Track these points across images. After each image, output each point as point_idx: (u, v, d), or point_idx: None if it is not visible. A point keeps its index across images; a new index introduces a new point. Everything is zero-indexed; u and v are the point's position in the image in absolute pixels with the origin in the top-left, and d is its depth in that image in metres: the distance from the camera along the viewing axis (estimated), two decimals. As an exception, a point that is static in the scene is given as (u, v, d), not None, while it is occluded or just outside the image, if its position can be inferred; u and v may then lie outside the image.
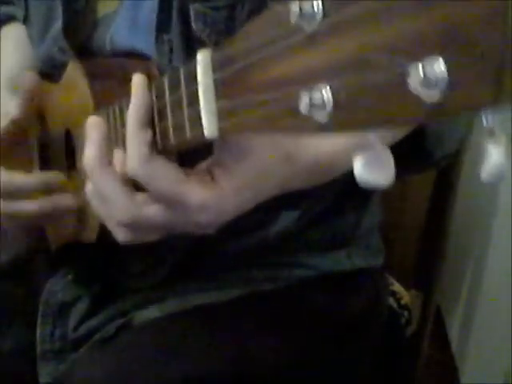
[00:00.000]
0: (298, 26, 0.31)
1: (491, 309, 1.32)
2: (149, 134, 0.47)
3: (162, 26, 0.61)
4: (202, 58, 0.41)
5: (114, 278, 0.72)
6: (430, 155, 0.62)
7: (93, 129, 0.50)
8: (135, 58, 0.64)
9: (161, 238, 0.52)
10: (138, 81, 0.48)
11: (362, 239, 0.77)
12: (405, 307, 0.98)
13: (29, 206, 0.64)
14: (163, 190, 0.47)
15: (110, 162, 0.49)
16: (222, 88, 0.39)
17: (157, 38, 0.61)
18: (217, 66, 0.40)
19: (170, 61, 0.62)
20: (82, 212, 0.65)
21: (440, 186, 0.94)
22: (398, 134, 0.59)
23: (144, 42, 0.63)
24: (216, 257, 0.70)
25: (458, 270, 1.44)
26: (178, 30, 0.61)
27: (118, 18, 0.67)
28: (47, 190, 0.64)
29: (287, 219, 0.69)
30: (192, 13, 0.60)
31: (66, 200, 0.64)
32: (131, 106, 0.47)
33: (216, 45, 0.40)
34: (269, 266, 0.71)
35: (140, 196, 0.49)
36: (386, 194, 0.81)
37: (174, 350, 0.66)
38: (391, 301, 0.96)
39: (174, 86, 0.44)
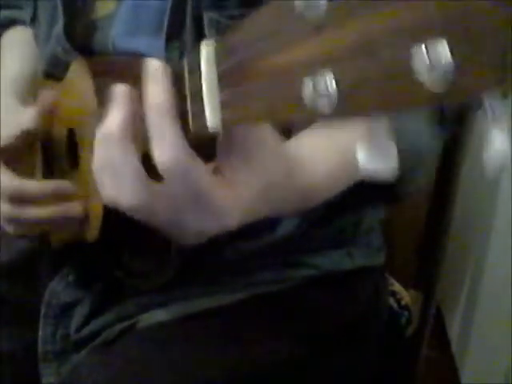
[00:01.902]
0: (302, 15, 0.32)
1: (491, 308, 1.32)
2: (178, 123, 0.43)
3: (173, 31, 0.61)
4: (206, 50, 0.41)
5: (117, 279, 0.72)
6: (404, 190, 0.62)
7: (122, 95, 0.45)
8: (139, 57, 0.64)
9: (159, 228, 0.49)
10: (156, 67, 0.44)
11: (363, 238, 0.77)
12: (405, 307, 0.98)
13: (35, 213, 0.63)
14: (194, 184, 0.43)
15: (134, 138, 0.44)
16: (225, 79, 0.39)
17: (166, 43, 0.61)
18: (221, 58, 0.39)
19: None
20: (84, 211, 0.65)
21: (440, 185, 0.94)
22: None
23: (147, 45, 0.63)
24: (218, 261, 0.70)
25: (457, 270, 1.44)
26: (191, 36, 0.60)
27: (118, 20, 0.67)
28: (55, 197, 0.63)
29: (289, 225, 0.69)
30: (206, 20, 0.59)
31: (71, 208, 0.62)
32: (158, 89, 0.43)
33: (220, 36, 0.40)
34: (270, 267, 0.71)
35: (157, 186, 0.45)
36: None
37: (179, 354, 0.66)
38: (391, 301, 0.96)
39: (178, 79, 0.43)
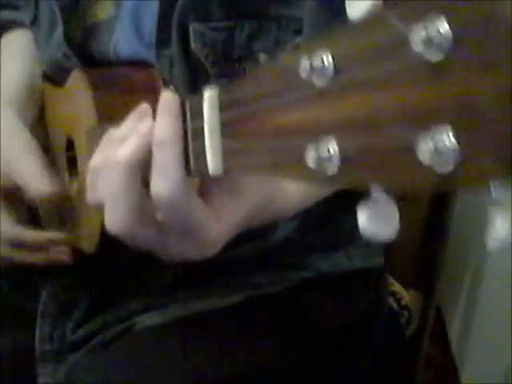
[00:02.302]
0: (308, 80, 0.31)
1: (491, 309, 1.32)
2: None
3: (162, 42, 0.61)
4: (210, 96, 0.40)
5: (115, 281, 0.72)
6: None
7: (141, 127, 0.44)
8: (139, 66, 0.63)
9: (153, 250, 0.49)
10: (169, 99, 0.43)
11: (362, 240, 0.76)
12: (405, 307, 0.98)
13: (30, 258, 0.70)
14: (188, 216, 0.44)
15: (139, 170, 0.44)
16: (228, 128, 0.39)
17: (157, 52, 0.61)
18: (224, 107, 0.39)
19: (171, 75, 0.62)
20: (81, 221, 0.65)
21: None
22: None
23: (147, 51, 0.63)
24: (216, 264, 0.69)
25: (457, 270, 1.44)
26: (178, 47, 0.60)
27: (120, 25, 0.66)
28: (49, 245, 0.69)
29: (287, 228, 0.69)
30: (191, 32, 0.60)
31: (62, 256, 0.69)
32: (164, 126, 0.42)
33: (215, 68, 0.39)
34: (269, 269, 0.71)
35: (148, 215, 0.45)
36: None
37: (176, 356, 0.66)
38: (391, 301, 0.96)
39: (182, 115, 0.42)
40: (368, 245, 0.78)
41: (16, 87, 0.74)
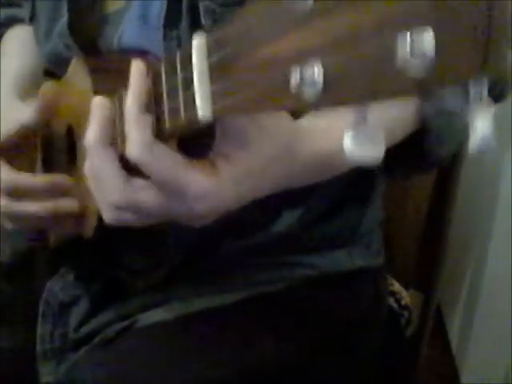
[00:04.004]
0: (290, 7, 0.32)
1: (491, 309, 1.32)
2: (150, 118, 0.47)
3: (171, 21, 0.61)
4: (198, 42, 0.41)
5: (116, 277, 0.72)
6: (429, 156, 0.62)
7: (97, 108, 0.50)
8: (138, 54, 0.64)
9: (152, 223, 0.52)
10: (136, 67, 0.48)
11: (363, 239, 0.76)
12: (405, 307, 0.98)
13: (32, 208, 0.63)
14: (164, 175, 0.47)
15: (110, 144, 0.49)
16: (216, 71, 0.40)
17: (165, 34, 0.61)
18: (211, 50, 0.40)
19: None
20: (81, 208, 0.65)
21: (440, 185, 0.94)
22: (398, 133, 0.59)
23: (153, 42, 0.63)
24: (217, 258, 0.69)
25: (457, 270, 1.44)
26: (187, 25, 0.61)
27: (127, 17, 0.67)
28: (52, 192, 0.63)
29: (288, 220, 0.69)
30: (201, 9, 0.60)
31: (69, 204, 0.63)
32: (131, 91, 0.48)
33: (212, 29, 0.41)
34: (270, 267, 0.71)
35: (138, 181, 0.49)
36: (385, 195, 0.81)
37: (178, 353, 0.66)
38: (391, 301, 0.96)
39: (171, 70, 0.45)
40: (369, 245, 0.78)
41: (16, 77, 0.74)
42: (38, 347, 0.72)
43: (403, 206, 1.40)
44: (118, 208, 0.50)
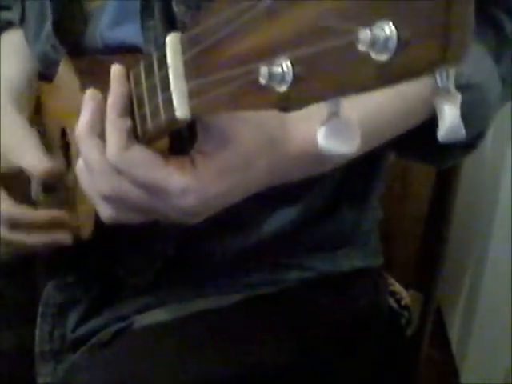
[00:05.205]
0: (252, 2, 0.32)
1: (491, 309, 1.32)
2: (127, 122, 0.48)
3: (146, 11, 0.61)
4: (171, 40, 0.41)
5: (114, 278, 0.72)
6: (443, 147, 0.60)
7: (89, 99, 0.51)
8: (126, 52, 0.64)
9: (146, 220, 0.52)
10: (115, 71, 0.49)
11: (361, 240, 0.76)
12: (405, 307, 0.98)
13: (30, 240, 0.67)
14: (141, 176, 0.47)
15: (99, 134, 0.50)
16: (191, 69, 0.40)
17: (142, 25, 0.61)
18: (185, 48, 0.40)
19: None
20: (76, 209, 0.65)
21: (440, 185, 0.94)
22: (409, 120, 0.57)
23: (133, 33, 0.63)
24: (210, 257, 0.69)
25: (458, 270, 1.44)
26: (160, 14, 0.60)
27: (106, 12, 0.66)
28: (50, 225, 0.67)
29: (282, 218, 0.69)
30: None
31: (64, 237, 0.67)
32: (110, 95, 0.49)
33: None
34: (267, 268, 0.71)
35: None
36: (385, 195, 0.80)
37: (175, 356, 0.66)
38: (391, 301, 0.95)
39: (149, 71, 0.45)
40: (367, 246, 0.78)
41: (12, 81, 0.74)
42: (37, 348, 0.72)
43: (403, 206, 1.40)
44: (109, 199, 0.50)
